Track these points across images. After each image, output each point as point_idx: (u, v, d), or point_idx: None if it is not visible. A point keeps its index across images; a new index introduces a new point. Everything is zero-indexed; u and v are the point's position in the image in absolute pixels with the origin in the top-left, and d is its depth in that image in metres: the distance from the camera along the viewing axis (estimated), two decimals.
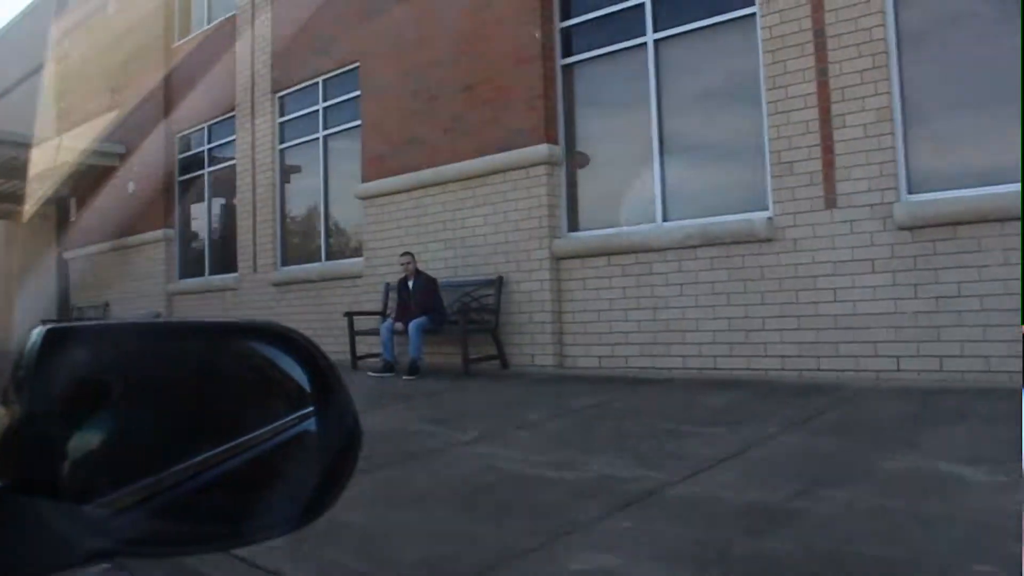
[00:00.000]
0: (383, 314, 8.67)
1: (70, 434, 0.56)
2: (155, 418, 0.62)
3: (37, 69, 16.26)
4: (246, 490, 0.64)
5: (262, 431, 0.65)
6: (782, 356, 6.17)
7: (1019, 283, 4.88)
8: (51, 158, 13.75)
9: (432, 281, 7.75)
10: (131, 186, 13.43)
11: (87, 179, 14.32)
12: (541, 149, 7.44)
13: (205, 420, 0.65)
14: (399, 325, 7.62)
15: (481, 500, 3.28)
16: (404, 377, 7.29)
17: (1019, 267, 4.85)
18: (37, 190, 15.20)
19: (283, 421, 0.66)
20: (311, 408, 0.67)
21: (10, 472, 0.53)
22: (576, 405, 5.41)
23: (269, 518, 0.64)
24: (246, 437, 0.64)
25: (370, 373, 7.61)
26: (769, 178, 6.30)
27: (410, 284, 7.81)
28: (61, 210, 15.74)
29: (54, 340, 0.56)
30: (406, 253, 7.96)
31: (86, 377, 0.59)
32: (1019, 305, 4.91)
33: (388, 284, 8.74)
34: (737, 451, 3.76)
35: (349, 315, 8.41)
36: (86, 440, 0.57)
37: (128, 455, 0.60)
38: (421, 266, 7.94)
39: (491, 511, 3.12)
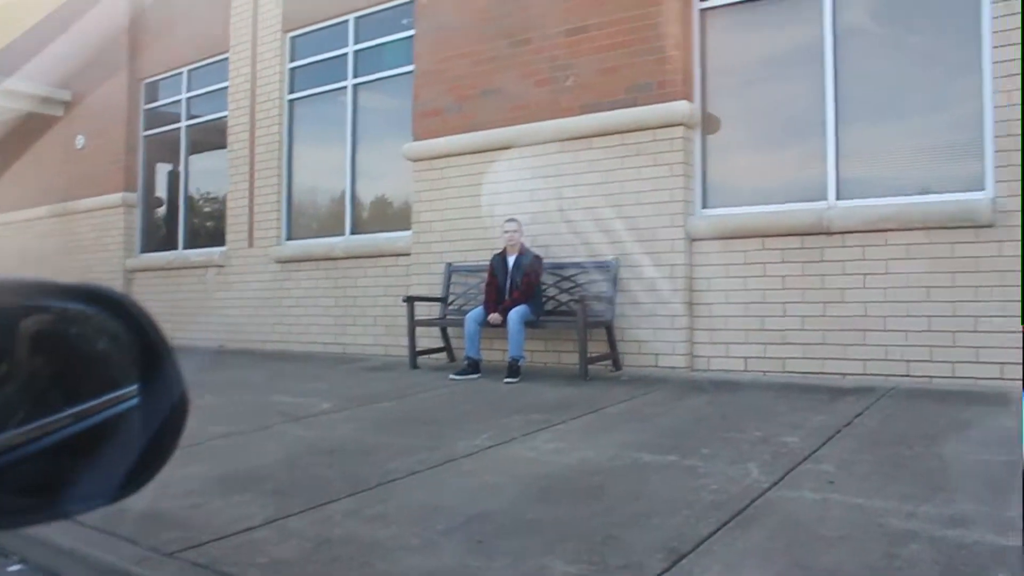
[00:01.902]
0: (443, 300, 7.19)
1: None
2: None
3: None
4: (61, 463, 0.60)
5: (84, 406, 0.60)
6: (1001, 363, 5.13)
7: None
8: None
9: (539, 261, 6.26)
10: (80, 140, 11.28)
11: (14, 129, 12.02)
12: (679, 107, 6.12)
13: (19, 392, 0.58)
14: (495, 316, 6.13)
15: None
16: (505, 380, 5.86)
17: None
18: None
19: (108, 397, 0.62)
20: (136, 381, 0.63)
21: None
22: (816, 422, 4.15)
23: (85, 490, 0.60)
24: (64, 414, 0.59)
25: (452, 376, 6.12)
26: (991, 151, 5.24)
27: (509, 262, 6.33)
28: None
29: None
30: (512, 219, 6.40)
31: None
32: None
33: (450, 264, 7.26)
34: None
35: (410, 300, 6.86)
36: None
37: None
38: (503, 243, 6.44)
39: None
